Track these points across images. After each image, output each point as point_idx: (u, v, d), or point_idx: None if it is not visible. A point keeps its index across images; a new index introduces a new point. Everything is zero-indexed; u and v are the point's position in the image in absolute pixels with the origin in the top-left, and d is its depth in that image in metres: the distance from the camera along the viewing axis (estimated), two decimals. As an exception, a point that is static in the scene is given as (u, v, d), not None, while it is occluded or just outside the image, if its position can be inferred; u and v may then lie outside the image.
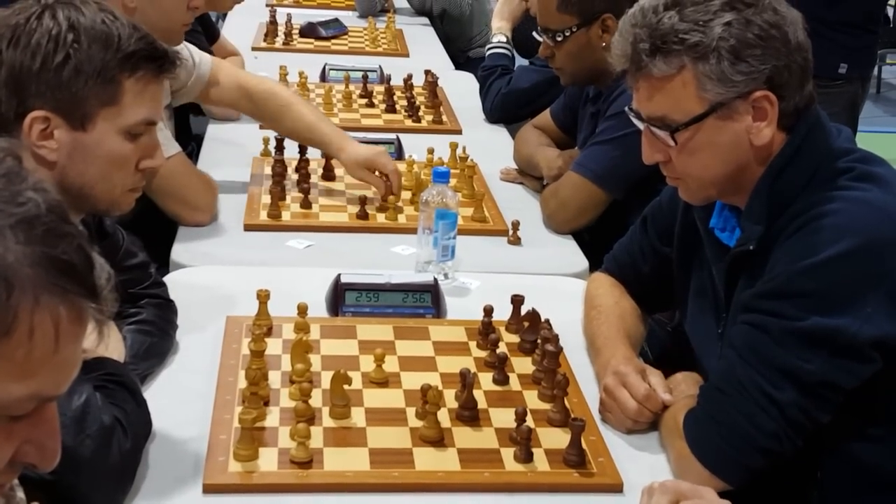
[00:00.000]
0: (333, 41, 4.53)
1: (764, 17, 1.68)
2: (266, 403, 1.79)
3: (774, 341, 1.63)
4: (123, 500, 1.57)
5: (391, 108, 3.52)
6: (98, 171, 1.66)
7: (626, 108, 1.84)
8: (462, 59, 4.87)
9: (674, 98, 1.72)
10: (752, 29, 1.67)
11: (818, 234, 1.64)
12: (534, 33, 2.84)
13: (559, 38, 2.72)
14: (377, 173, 2.72)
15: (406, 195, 2.78)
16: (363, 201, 2.64)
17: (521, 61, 3.78)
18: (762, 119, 1.70)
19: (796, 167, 1.72)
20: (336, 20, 4.68)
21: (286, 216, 2.63)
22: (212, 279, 2.31)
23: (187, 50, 2.75)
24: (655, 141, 1.78)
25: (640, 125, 1.80)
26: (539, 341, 2.00)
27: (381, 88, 3.64)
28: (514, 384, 1.93)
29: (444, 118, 3.51)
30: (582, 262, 2.56)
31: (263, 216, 2.61)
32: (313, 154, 2.93)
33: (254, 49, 4.30)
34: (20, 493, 1.14)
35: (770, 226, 1.72)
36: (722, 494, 1.52)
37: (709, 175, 1.76)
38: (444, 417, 1.78)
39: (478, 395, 1.85)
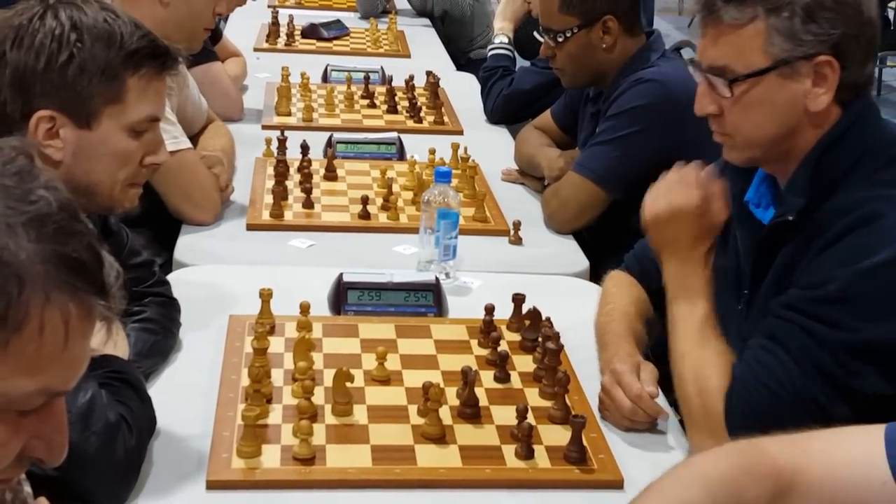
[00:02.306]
0: (335, 42, 4.54)
1: None
2: (269, 401, 1.80)
3: (832, 356, 1.61)
4: (128, 496, 1.59)
5: (393, 109, 3.54)
6: (104, 169, 1.68)
7: (687, 59, 1.83)
8: (463, 60, 4.88)
9: (739, 48, 1.71)
10: None
11: (871, 237, 1.61)
12: (535, 33, 2.86)
13: (560, 39, 2.74)
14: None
15: (408, 195, 2.79)
16: (365, 201, 2.65)
17: (521, 62, 3.79)
18: (821, 85, 1.69)
19: (846, 145, 1.71)
20: (338, 21, 4.70)
21: (288, 216, 2.65)
22: (215, 278, 2.32)
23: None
24: (711, 91, 1.77)
25: (698, 77, 1.79)
26: (540, 339, 2.02)
27: (383, 89, 3.66)
28: (516, 382, 1.95)
29: (446, 119, 3.53)
30: (582, 262, 2.58)
31: (266, 216, 2.63)
32: (315, 154, 2.95)
33: (256, 50, 4.31)
34: (27, 488, 1.15)
35: (811, 201, 1.70)
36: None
37: (759, 134, 1.75)
38: (445, 415, 1.79)
39: (479, 392, 1.86)
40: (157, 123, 1.74)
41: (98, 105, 1.65)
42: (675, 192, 1.87)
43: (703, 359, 1.75)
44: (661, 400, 1.86)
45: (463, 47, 5.02)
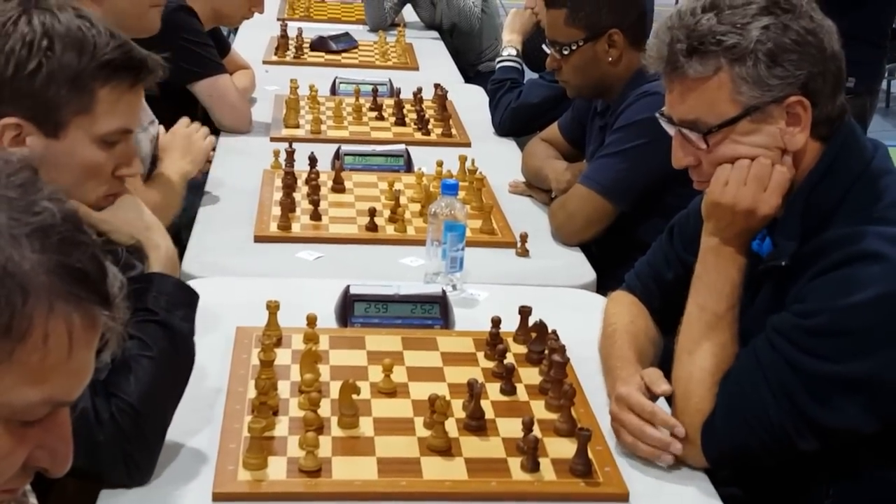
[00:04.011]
0: (344, 55, 4.55)
1: (801, 23, 1.69)
2: (275, 413, 1.80)
3: (808, 388, 1.64)
4: (142, 462, 1.63)
5: (401, 121, 3.55)
6: (71, 180, 1.64)
7: (657, 114, 1.83)
8: (471, 72, 4.89)
9: (707, 100, 1.72)
10: (789, 34, 1.68)
11: (862, 273, 1.62)
12: (543, 45, 2.86)
13: (566, 52, 2.75)
14: None
15: (415, 207, 2.80)
16: (372, 213, 2.66)
17: (530, 75, 3.80)
18: (796, 124, 1.70)
19: (834, 178, 1.71)
20: (346, 34, 4.71)
21: (296, 228, 2.65)
22: (222, 290, 2.32)
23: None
24: (687, 144, 1.77)
25: (671, 130, 1.80)
26: (546, 352, 2.01)
27: (391, 102, 3.66)
28: (522, 394, 1.94)
29: (454, 131, 3.53)
30: (589, 274, 2.58)
31: (273, 228, 2.63)
32: (323, 166, 2.95)
33: (265, 63, 4.32)
34: (32, 500, 1.16)
35: (803, 243, 1.71)
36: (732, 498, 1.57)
37: None
38: (451, 427, 1.79)
39: (485, 405, 1.86)
40: (129, 135, 1.72)
41: (66, 115, 1.63)
42: (746, 189, 1.73)
43: (691, 372, 1.77)
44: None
45: (471, 60, 5.03)
